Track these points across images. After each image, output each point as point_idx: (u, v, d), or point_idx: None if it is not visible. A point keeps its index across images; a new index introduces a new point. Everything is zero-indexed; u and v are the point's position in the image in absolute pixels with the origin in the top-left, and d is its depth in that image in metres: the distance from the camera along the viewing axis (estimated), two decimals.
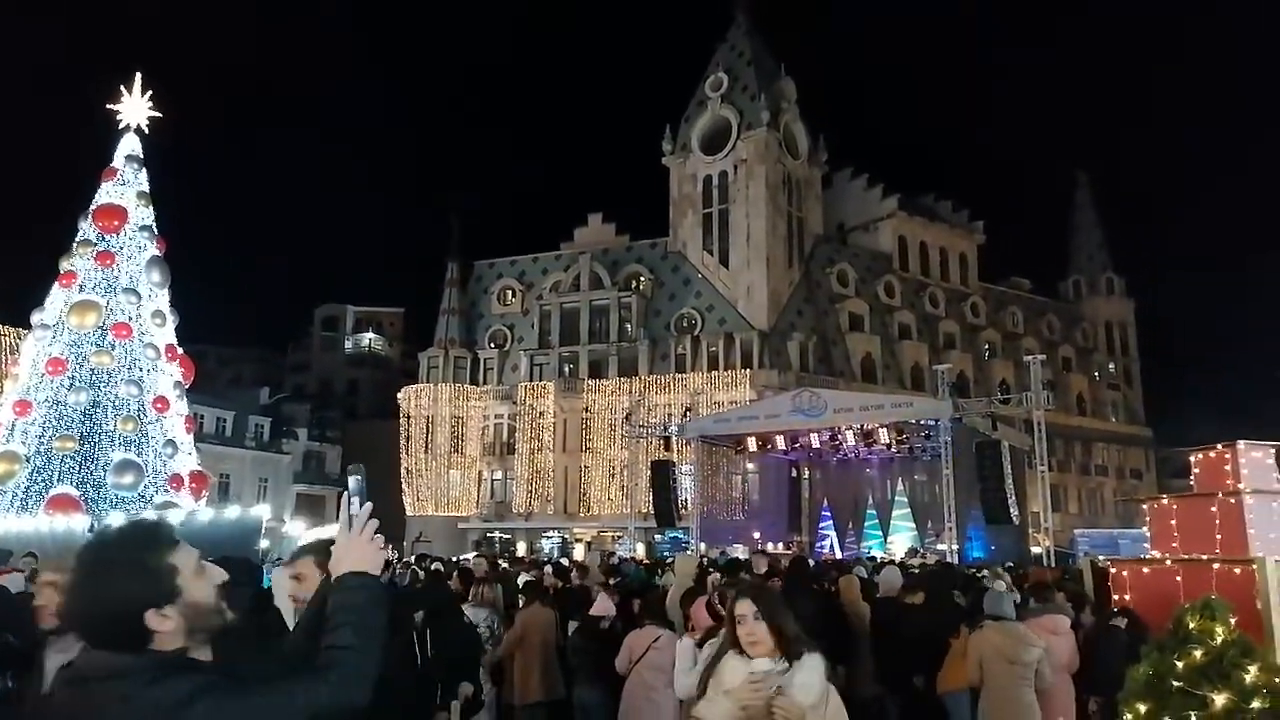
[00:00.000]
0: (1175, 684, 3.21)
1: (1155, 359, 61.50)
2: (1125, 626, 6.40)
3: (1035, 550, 25.84)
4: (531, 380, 47.72)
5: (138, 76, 20.66)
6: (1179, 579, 6.32)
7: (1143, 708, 3.23)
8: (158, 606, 1.77)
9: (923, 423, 25.91)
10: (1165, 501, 7.13)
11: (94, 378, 18.62)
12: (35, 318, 19.45)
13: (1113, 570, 7.41)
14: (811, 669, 3.05)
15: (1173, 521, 6.83)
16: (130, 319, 19.31)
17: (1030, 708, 5.98)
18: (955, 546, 23.48)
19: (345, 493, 2.17)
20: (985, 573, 13.13)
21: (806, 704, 2.96)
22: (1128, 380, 60.78)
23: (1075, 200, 64.84)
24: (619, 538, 38.21)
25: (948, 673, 7.05)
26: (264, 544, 21.81)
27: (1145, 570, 6.87)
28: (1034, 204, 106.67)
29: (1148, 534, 7.13)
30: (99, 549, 1.80)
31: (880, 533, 30.44)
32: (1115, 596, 7.20)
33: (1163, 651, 3.34)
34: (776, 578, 10.11)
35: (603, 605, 7.69)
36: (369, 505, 2.13)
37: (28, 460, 17.80)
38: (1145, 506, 7.27)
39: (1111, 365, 60.30)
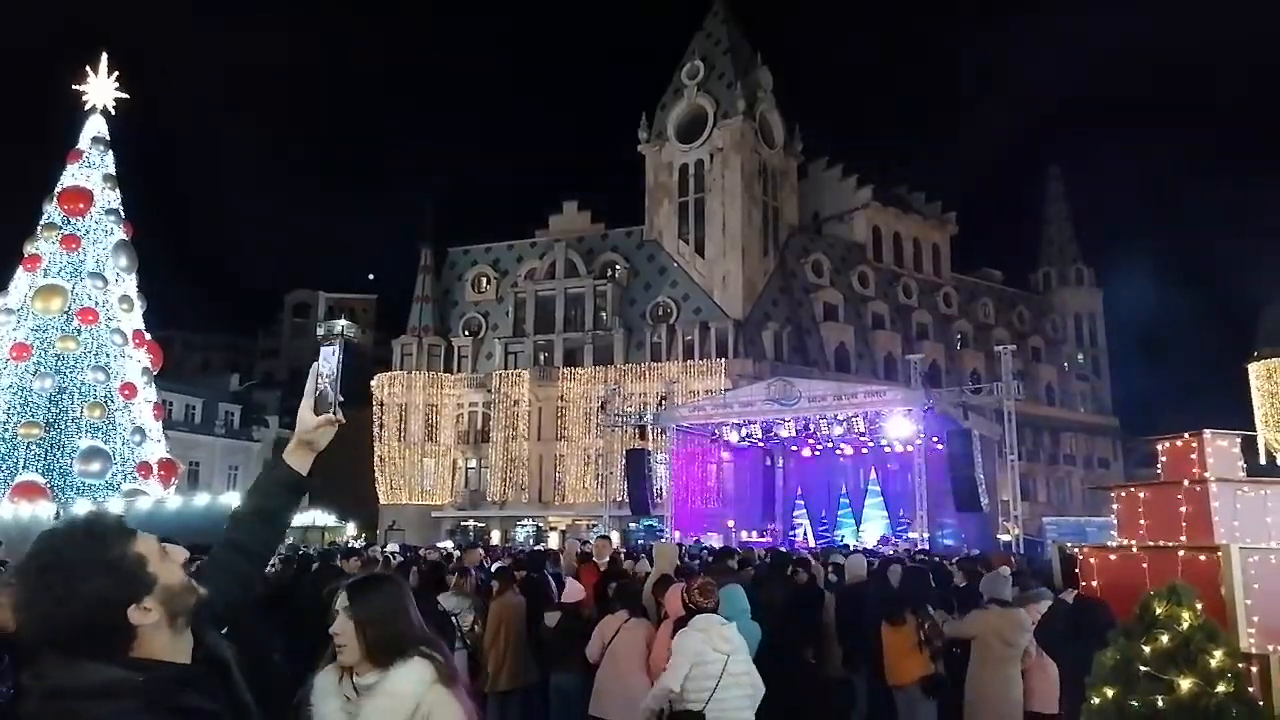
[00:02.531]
0: (1142, 669, 3.25)
1: (1123, 349, 62.26)
2: (1072, 601, 6.56)
3: (1004, 538, 26.18)
4: (506, 368, 47.55)
5: (104, 57, 20.27)
6: (1145, 565, 6.41)
7: (1110, 692, 3.28)
8: (137, 600, 1.66)
9: (895, 412, 26.15)
10: (1132, 489, 7.22)
11: (60, 364, 18.33)
12: None
13: (1080, 557, 7.50)
14: (399, 682, 2.42)
15: (1140, 509, 6.92)
16: (97, 304, 19.02)
17: (1014, 681, 6.44)
18: (926, 535, 23.75)
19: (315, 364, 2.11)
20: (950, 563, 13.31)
21: None
22: (1096, 371, 61.67)
23: (1046, 193, 65.56)
24: (593, 526, 38.26)
25: (897, 665, 7.16)
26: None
27: (1112, 557, 6.95)
28: (1006, 197, 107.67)
29: (1115, 521, 7.23)
30: (58, 553, 1.63)
31: (853, 521, 30.72)
32: (1084, 583, 7.30)
33: (1130, 637, 3.39)
34: (749, 568, 10.18)
35: (573, 591, 7.71)
36: (325, 379, 2.07)
37: None
38: (1113, 494, 7.36)
39: (1080, 356, 61.15)
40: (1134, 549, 6.65)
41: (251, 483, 2.13)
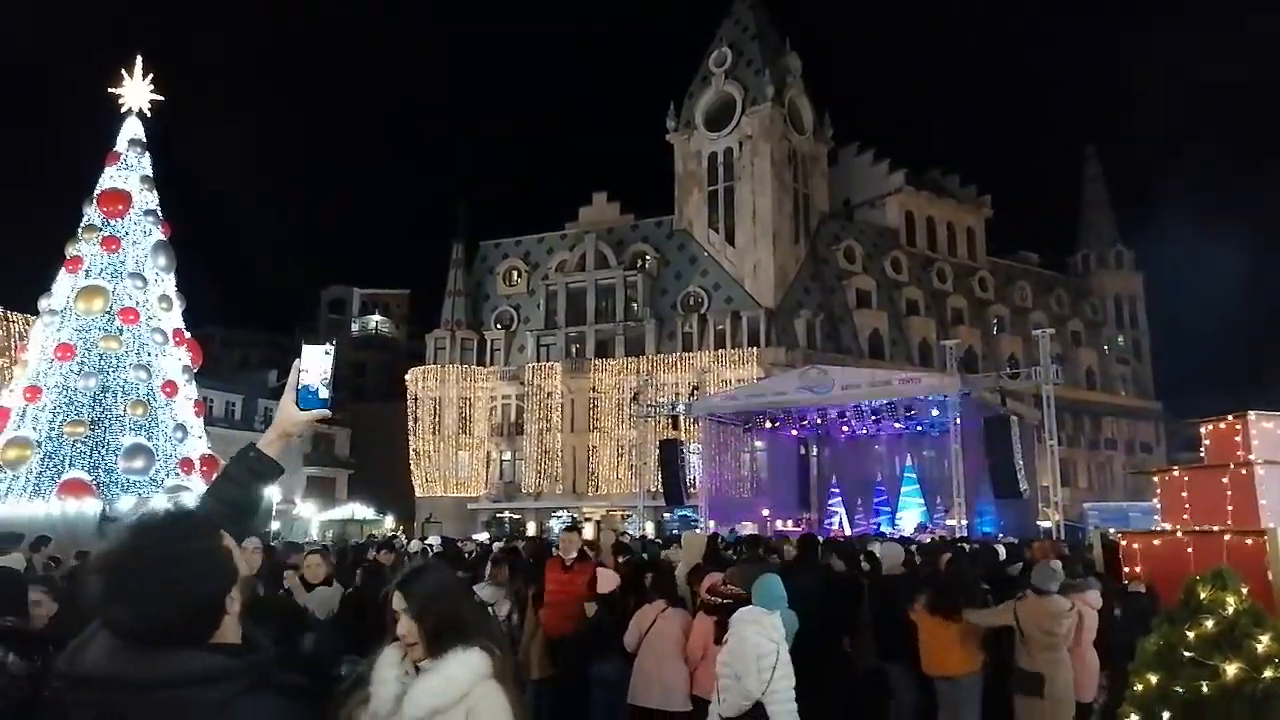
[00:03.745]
0: (1186, 654, 3.19)
1: (1165, 331, 60.98)
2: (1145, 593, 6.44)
3: (1045, 524, 25.82)
4: (538, 361, 47.75)
5: (139, 60, 20.59)
6: (1190, 550, 6.30)
7: (1153, 678, 3.22)
8: (229, 590, 1.73)
9: (931, 398, 25.87)
10: (1176, 473, 7.09)
11: (103, 363, 18.69)
12: (43, 303, 19.50)
13: (1123, 543, 7.39)
14: (453, 666, 2.47)
15: (1184, 493, 6.81)
16: (137, 304, 19.36)
17: (1063, 667, 6.33)
18: (964, 522, 23.48)
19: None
20: (997, 546, 13.17)
21: (420, 710, 2.42)
22: (1137, 354, 60.52)
23: (1084, 173, 64.30)
24: (628, 516, 38.36)
25: (935, 656, 7.06)
26: (274, 525, 21.94)
27: (1156, 542, 6.85)
28: (1043, 178, 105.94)
29: (1158, 506, 7.11)
30: (166, 547, 1.67)
31: (889, 509, 30.48)
32: (1126, 569, 7.19)
33: (1174, 622, 3.32)
34: (775, 556, 10.14)
35: (608, 580, 7.73)
36: (309, 374, 2.13)
37: (39, 445, 17.91)
38: (1156, 479, 7.24)
39: (1121, 338, 60.03)
40: (1178, 533, 6.54)
41: (222, 474, 2.15)
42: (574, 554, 7.94)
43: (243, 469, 2.12)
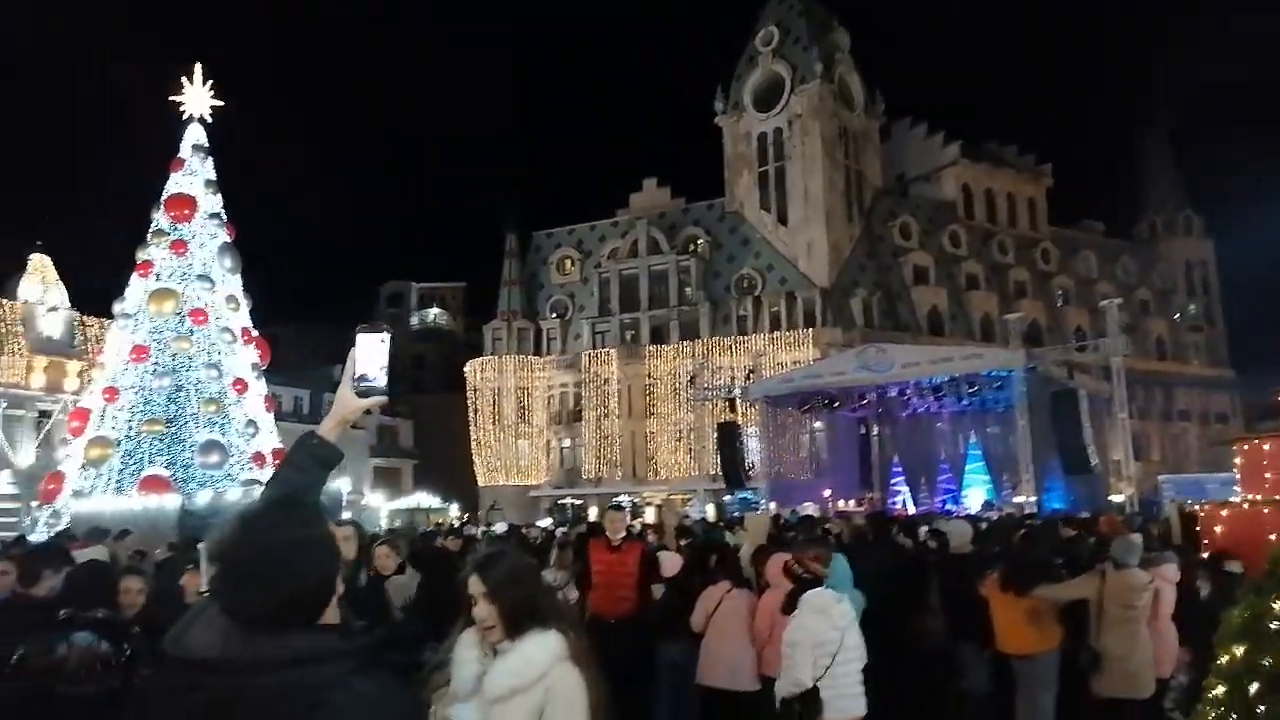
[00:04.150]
0: (1273, 625, 3.09)
1: (1238, 298, 58.82)
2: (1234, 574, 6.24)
3: (1117, 499, 25.16)
4: (594, 348, 47.99)
5: (198, 67, 21.12)
6: (1271, 520, 6.09)
7: (1239, 650, 3.12)
8: (338, 574, 1.79)
9: (994, 374, 25.35)
10: (1256, 442, 6.86)
11: (175, 363, 19.33)
12: (117, 308, 20.22)
13: (1201, 514, 7.18)
14: (531, 648, 2.51)
15: (1264, 462, 6.58)
16: (206, 305, 19.95)
17: (1141, 644, 6.20)
18: (1033, 498, 23.00)
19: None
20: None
21: (500, 689, 2.47)
22: (1210, 321, 58.45)
23: (1149, 137, 62.07)
24: (689, 500, 38.41)
25: (1009, 634, 6.94)
26: (346, 515, 22.47)
27: (1235, 512, 6.64)
28: (1105, 143, 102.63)
29: (1237, 476, 6.88)
30: (284, 529, 1.72)
31: (954, 487, 30.00)
32: (1205, 540, 6.98)
33: (1260, 593, 3.22)
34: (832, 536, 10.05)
35: (672, 564, 7.76)
36: (366, 362, 2.14)
37: (119, 444, 18.62)
38: (1234, 448, 7.01)
39: (1192, 306, 58.02)
40: (1259, 503, 6.32)
41: (286, 462, 2.17)
42: (621, 534, 7.70)
43: (306, 456, 2.15)
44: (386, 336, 2.18)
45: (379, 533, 14.58)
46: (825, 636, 4.78)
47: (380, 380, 2.14)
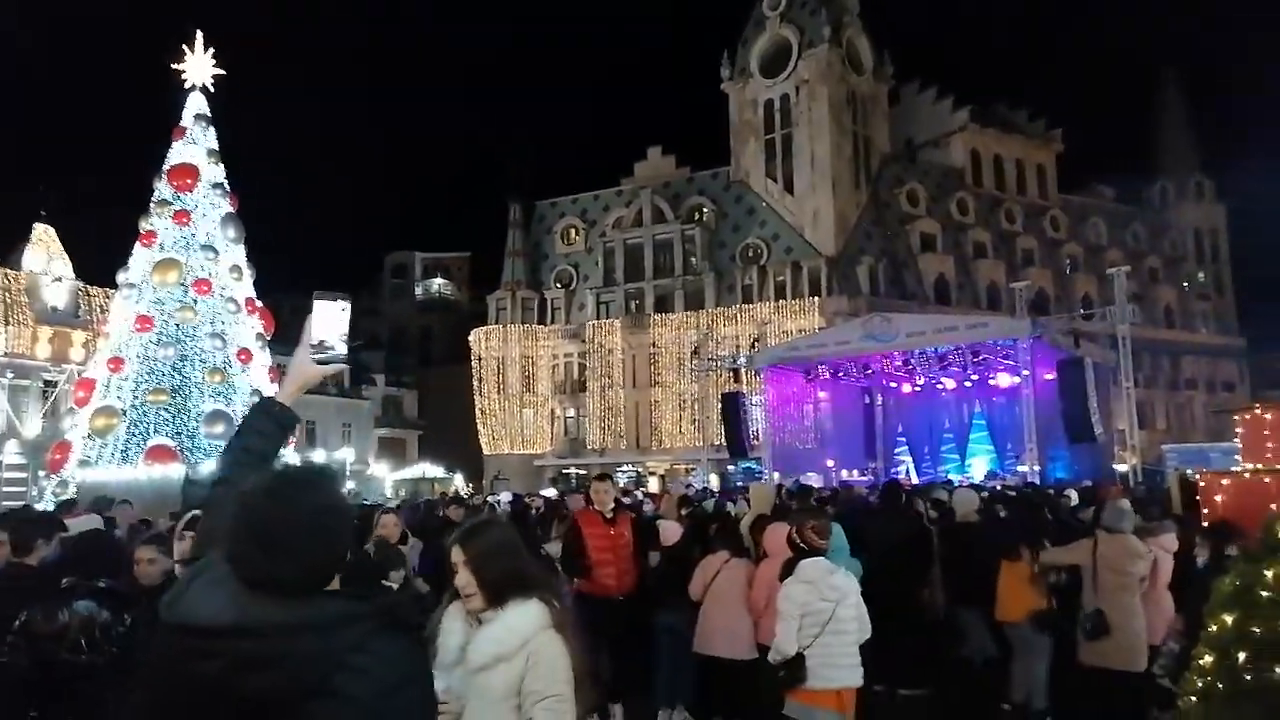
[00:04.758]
0: (1265, 594, 3.08)
1: (1249, 265, 58.34)
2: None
3: (1121, 468, 25.18)
4: (598, 318, 47.96)
5: (199, 35, 20.91)
6: (1272, 489, 6.08)
7: (1229, 618, 3.12)
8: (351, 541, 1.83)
9: (1000, 343, 25.27)
10: (1258, 410, 6.83)
11: (179, 333, 19.34)
12: (121, 277, 20.21)
13: (1202, 483, 7.17)
14: (513, 617, 2.53)
15: (1265, 431, 6.55)
16: (209, 275, 19.92)
17: (1133, 613, 6.14)
18: (1037, 468, 23.03)
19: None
20: (1069, 492, 12.93)
21: (483, 658, 2.50)
22: (1219, 289, 58.06)
23: (1161, 100, 61.22)
24: (692, 470, 38.57)
25: (1009, 601, 6.99)
26: (349, 485, 22.62)
27: (1235, 481, 6.63)
28: (1116, 106, 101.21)
29: (1238, 445, 6.86)
30: (312, 495, 1.73)
31: (957, 457, 30.04)
32: (1205, 509, 6.98)
33: (1252, 561, 3.21)
34: (828, 506, 10.08)
35: (672, 532, 7.79)
36: (324, 329, 2.16)
37: (124, 414, 18.71)
38: (1236, 417, 6.98)
39: (1201, 274, 57.61)
40: (1260, 472, 6.31)
41: (246, 428, 2.17)
42: (610, 506, 7.12)
43: (269, 422, 2.15)
44: (346, 304, 2.18)
45: (382, 502, 14.69)
46: (813, 607, 4.81)
47: (339, 347, 2.15)
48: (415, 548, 7.33)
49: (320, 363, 2.16)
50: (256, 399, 19.67)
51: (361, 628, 1.66)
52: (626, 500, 12.04)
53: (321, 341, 2.14)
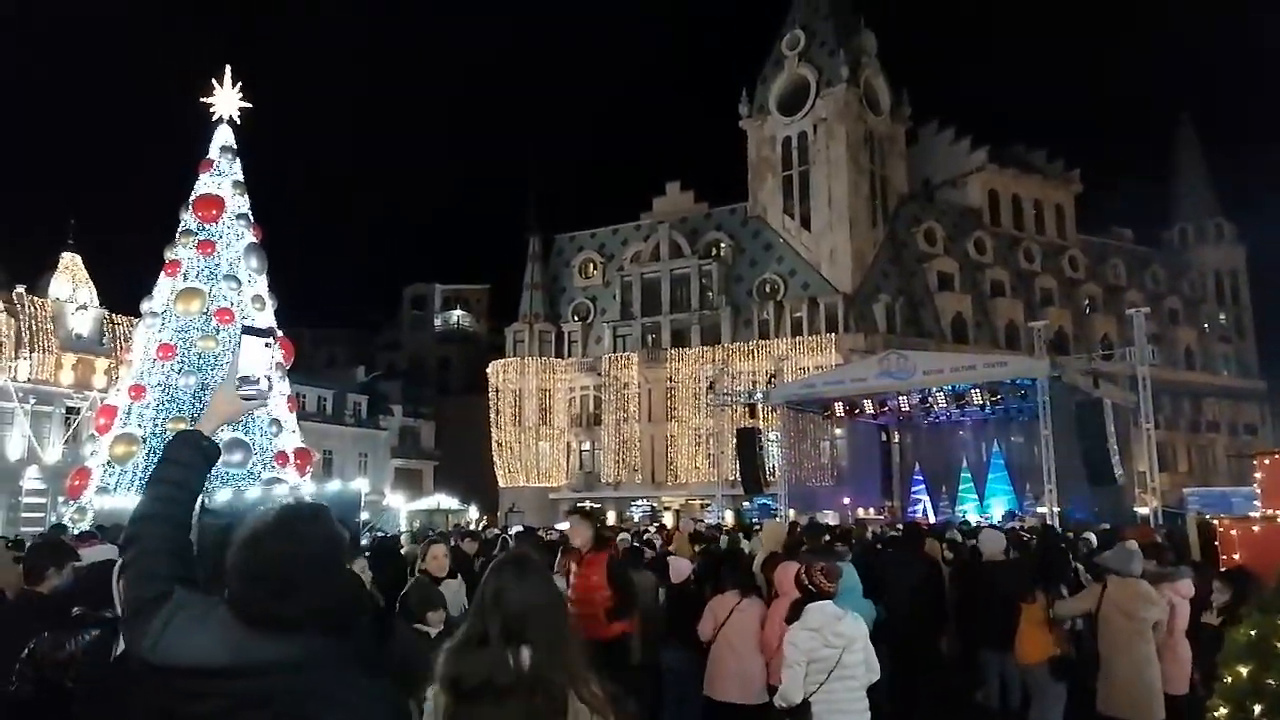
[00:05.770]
0: (1279, 645, 3.04)
1: (1270, 308, 57.84)
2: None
3: (1142, 511, 24.82)
4: (615, 351, 48.05)
5: (228, 69, 21.38)
6: None
7: (1244, 670, 3.08)
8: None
9: (1018, 382, 25.09)
10: (1277, 456, 6.73)
11: (201, 361, 19.52)
12: (144, 306, 20.47)
13: (1220, 529, 7.05)
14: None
15: None
16: (232, 304, 20.13)
17: (1146, 661, 5.90)
18: (1055, 509, 22.75)
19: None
20: (1088, 534, 12.76)
21: None
22: (1239, 332, 57.51)
23: (1178, 142, 61.21)
24: (707, 505, 38.34)
25: (1025, 644, 6.86)
26: (364, 515, 22.61)
27: (1255, 528, 6.52)
28: (1135, 149, 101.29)
29: (1257, 491, 6.75)
30: (315, 531, 1.74)
31: (975, 496, 29.72)
32: (1224, 556, 6.87)
33: (1266, 611, 3.17)
34: (841, 544, 9.98)
35: (681, 569, 7.73)
36: (249, 364, 2.17)
37: (144, 441, 18.84)
38: (1255, 461, 6.88)
39: (1222, 316, 57.12)
40: (1278, 519, 6.20)
41: (166, 460, 2.12)
42: (587, 544, 6.79)
43: (195, 452, 2.12)
44: (272, 340, 2.25)
45: (428, 532, 14.49)
46: (819, 654, 4.74)
47: (263, 384, 2.19)
48: (462, 586, 6.73)
49: (244, 398, 2.19)
50: (274, 429, 19.82)
51: (351, 665, 1.68)
52: (626, 537, 11.93)
53: (246, 377, 2.17)
